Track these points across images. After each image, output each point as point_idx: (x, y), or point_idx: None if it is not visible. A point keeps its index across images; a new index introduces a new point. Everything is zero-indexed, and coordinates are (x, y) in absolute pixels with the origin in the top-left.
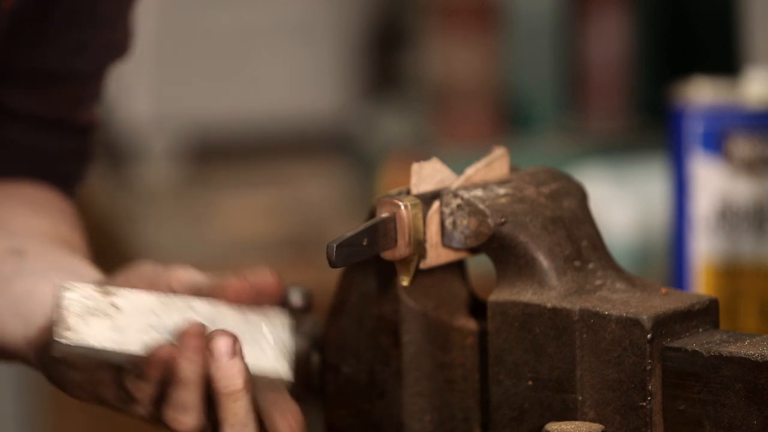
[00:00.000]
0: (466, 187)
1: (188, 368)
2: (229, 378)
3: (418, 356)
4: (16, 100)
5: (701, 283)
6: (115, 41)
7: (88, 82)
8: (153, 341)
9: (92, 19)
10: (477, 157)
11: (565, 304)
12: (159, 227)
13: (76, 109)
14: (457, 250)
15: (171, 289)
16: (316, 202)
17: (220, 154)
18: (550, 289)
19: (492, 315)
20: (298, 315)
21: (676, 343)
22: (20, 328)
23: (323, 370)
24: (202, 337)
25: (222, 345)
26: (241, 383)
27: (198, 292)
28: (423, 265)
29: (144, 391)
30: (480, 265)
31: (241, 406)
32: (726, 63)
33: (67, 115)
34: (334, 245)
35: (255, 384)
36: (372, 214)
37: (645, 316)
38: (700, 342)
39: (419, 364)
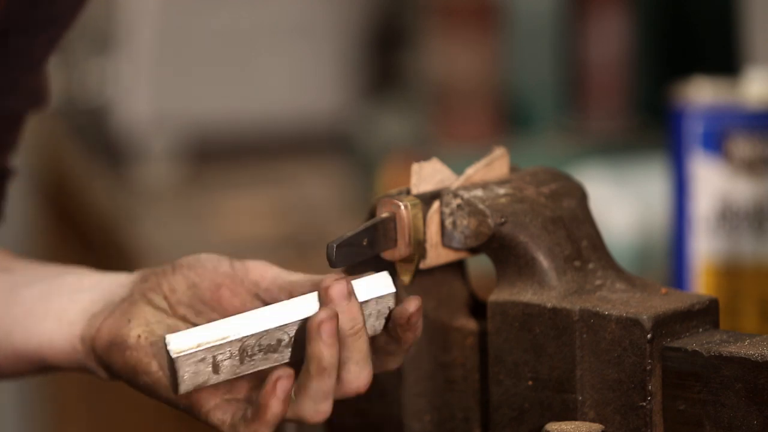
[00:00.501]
0: (466, 187)
1: (356, 321)
2: (354, 319)
3: (418, 356)
4: None
5: (701, 283)
6: (41, 86)
7: (14, 125)
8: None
9: (23, 61)
10: (477, 157)
11: (565, 304)
12: (159, 227)
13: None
14: (457, 250)
15: (258, 287)
16: (316, 202)
17: (220, 154)
18: (550, 289)
19: (492, 315)
20: None
21: (676, 343)
22: (59, 329)
23: None
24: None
25: (338, 289)
26: (362, 321)
27: (291, 291)
28: (423, 265)
29: (284, 402)
30: (480, 265)
31: (364, 342)
32: (726, 63)
33: None
34: (334, 245)
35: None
36: (372, 214)
37: (645, 316)
38: (700, 342)
39: (419, 364)
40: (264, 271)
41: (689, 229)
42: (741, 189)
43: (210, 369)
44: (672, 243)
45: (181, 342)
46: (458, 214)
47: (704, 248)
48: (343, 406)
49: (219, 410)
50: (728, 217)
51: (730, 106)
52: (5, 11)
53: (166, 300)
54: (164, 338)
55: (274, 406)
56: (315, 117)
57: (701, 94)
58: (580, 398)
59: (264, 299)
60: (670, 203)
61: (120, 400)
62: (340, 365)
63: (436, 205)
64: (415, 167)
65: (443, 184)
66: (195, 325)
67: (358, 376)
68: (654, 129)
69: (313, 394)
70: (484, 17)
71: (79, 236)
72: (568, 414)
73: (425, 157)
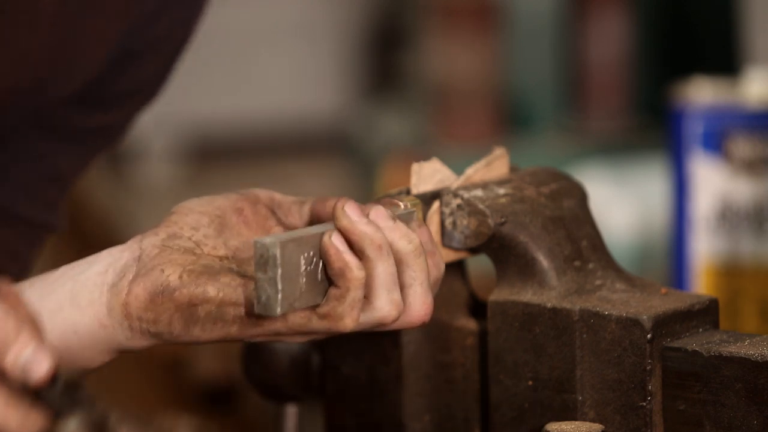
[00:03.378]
0: (466, 187)
1: (411, 238)
2: (407, 235)
3: (418, 356)
4: None
5: (701, 283)
6: (57, 205)
7: (28, 233)
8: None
9: (44, 167)
10: (477, 157)
11: (565, 304)
12: None
13: (9, 261)
14: (457, 250)
15: (273, 202)
16: None
17: (220, 154)
18: (550, 289)
19: (492, 315)
20: None
21: (676, 343)
22: (79, 312)
23: (323, 370)
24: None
25: (379, 212)
26: (418, 239)
27: (303, 201)
28: None
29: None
30: (480, 265)
31: (425, 261)
32: (726, 63)
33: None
34: None
35: None
36: None
37: (645, 316)
38: (700, 342)
39: (419, 364)
40: (269, 192)
41: (689, 229)
42: (741, 189)
43: (302, 271)
44: (672, 243)
45: (274, 237)
46: (458, 214)
47: (704, 248)
48: (343, 405)
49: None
50: (728, 217)
51: (730, 106)
52: (26, 117)
53: (191, 240)
54: (255, 242)
55: (349, 260)
56: (315, 117)
57: (701, 94)
58: (580, 398)
59: (280, 217)
60: (670, 203)
61: (120, 402)
62: (405, 288)
63: (436, 205)
64: (415, 167)
65: (443, 184)
66: (227, 258)
67: (424, 300)
68: (654, 129)
69: (382, 280)
70: (484, 17)
71: (79, 236)
72: (568, 414)
73: (425, 157)
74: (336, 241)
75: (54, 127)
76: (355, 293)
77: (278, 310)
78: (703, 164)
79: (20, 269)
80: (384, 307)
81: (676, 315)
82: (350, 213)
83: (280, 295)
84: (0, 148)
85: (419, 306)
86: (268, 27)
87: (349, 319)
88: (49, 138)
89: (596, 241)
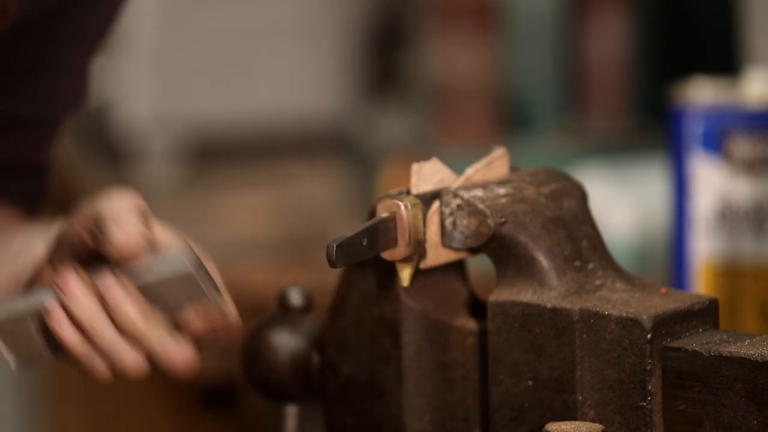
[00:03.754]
0: (466, 187)
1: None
2: (134, 307)
3: (418, 356)
4: None
5: (701, 283)
6: (77, 89)
7: (51, 128)
8: None
9: (58, 67)
10: (477, 157)
11: (565, 304)
12: None
13: (36, 153)
14: (457, 250)
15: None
16: (316, 202)
17: (220, 154)
18: (550, 289)
19: (492, 315)
20: (298, 315)
21: (676, 343)
22: None
23: (323, 370)
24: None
25: (106, 281)
26: (139, 306)
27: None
28: (423, 265)
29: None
30: (480, 265)
31: (148, 324)
32: (726, 63)
33: (27, 159)
34: (334, 245)
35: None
36: (372, 214)
37: (645, 316)
38: (700, 342)
39: (419, 364)
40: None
41: (689, 229)
42: (741, 189)
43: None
44: (672, 243)
45: None
46: (458, 214)
47: (704, 248)
48: (343, 405)
49: None
50: (728, 217)
51: (730, 106)
52: (36, 21)
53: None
54: None
55: (66, 338)
56: (315, 117)
57: (701, 94)
58: (580, 398)
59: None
60: (670, 203)
61: (120, 402)
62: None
63: (436, 205)
64: (415, 167)
65: (443, 184)
66: None
67: (171, 352)
68: (654, 129)
69: (108, 344)
70: (484, 17)
71: None
72: (568, 414)
73: (425, 157)
74: (54, 319)
75: (55, 31)
76: (89, 362)
77: (12, 368)
78: (703, 164)
79: (47, 157)
80: (126, 360)
81: (676, 315)
82: (65, 289)
83: (8, 357)
84: (20, 55)
85: (171, 356)
86: (268, 27)
87: (102, 374)
88: (54, 42)
89: (596, 241)
